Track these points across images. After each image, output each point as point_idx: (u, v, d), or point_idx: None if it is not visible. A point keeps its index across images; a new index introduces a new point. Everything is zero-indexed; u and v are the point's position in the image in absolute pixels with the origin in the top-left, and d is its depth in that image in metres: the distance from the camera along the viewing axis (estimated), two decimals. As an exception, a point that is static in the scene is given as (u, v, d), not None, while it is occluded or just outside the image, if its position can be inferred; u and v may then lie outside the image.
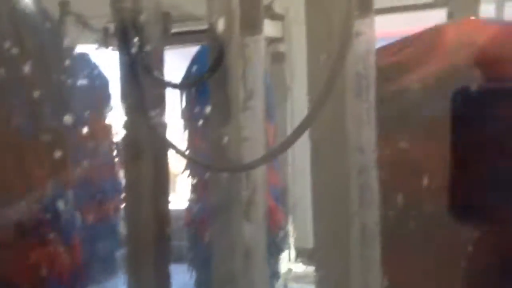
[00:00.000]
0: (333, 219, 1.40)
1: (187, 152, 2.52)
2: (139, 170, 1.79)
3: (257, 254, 1.58)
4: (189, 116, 2.94)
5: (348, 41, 1.28)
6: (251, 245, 1.57)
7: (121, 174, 3.51)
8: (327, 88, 1.30)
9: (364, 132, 1.37)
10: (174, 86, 1.67)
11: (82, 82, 3.39)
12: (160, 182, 1.82)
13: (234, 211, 1.56)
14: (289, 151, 3.42)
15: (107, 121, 3.67)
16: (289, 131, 3.72)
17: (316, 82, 1.39)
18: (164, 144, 1.77)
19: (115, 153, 3.59)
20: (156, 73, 1.69)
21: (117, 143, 3.51)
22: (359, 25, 1.36)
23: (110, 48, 3.94)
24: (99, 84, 3.71)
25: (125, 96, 1.79)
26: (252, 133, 1.62)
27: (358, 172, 1.36)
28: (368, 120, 1.38)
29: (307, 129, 1.35)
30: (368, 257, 1.36)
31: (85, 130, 3.20)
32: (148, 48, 1.75)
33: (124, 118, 1.82)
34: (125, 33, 1.72)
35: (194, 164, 2.81)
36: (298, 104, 3.74)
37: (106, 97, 3.69)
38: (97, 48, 4.04)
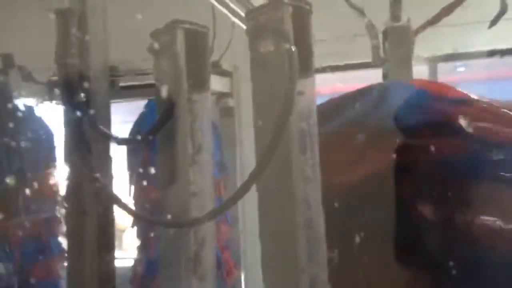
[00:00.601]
0: (282, 275, 1.40)
1: (133, 208, 2.48)
2: (83, 226, 1.74)
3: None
4: (136, 171, 2.92)
5: (292, 100, 1.32)
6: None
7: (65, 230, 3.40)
8: (272, 145, 1.33)
9: (310, 187, 1.40)
10: (120, 142, 1.65)
11: (28, 137, 3.33)
12: (105, 238, 1.78)
13: (183, 267, 1.54)
14: (239, 204, 3.44)
15: (52, 176, 3.58)
16: (239, 182, 3.73)
17: (262, 139, 1.43)
18: (110, 199, 1.74)
19: (60, 208, 3.49)
20: (102, 128, 1.68)
21: (62, 199, 3.42)
22: (301, 85, 1.41)
23: (54, 102, 3.89)
24: (45, 138, 3.64)
25: (69, 152, 1.76)
26: (200, 188, 1.61)
27: (306, 226, 1.38)
28: (313, 176, 1.41)
29: (253, 184, 1.37)
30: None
31: (31, 186, 3.11)
32: (94, 102, 1.74)
33: (69, 173, 1.79)
34: (70, 88, 1.71)
35: (140, 220, 2.76)
36: (248, 157, 3.79)
37: (52, 152, 3.61)
38: (41, 102, 3.98)
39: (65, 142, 1.77)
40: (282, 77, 1.36)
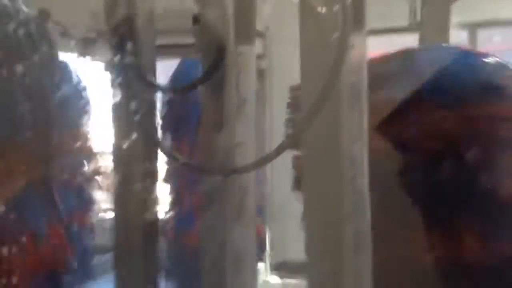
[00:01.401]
0: (325, 226, 1.43)
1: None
2: (128, 175, 1.79)
3: (248, 259, 1.59)
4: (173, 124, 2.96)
5: (344, 51, 1.32)
6: (241, 249, 1.58)
7: (98, 184, 3.48)
8: (322, 97, 1.34)
9: (356, 143, 1.41)
10: (168, 90, 1.67)
11: (64, 90, 3.38)
12: (149, 187, 1.82)
13: (227, 215, 1.58)
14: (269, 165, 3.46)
15: (87, 129, 3.64)
16: (267, 143, 3.76)
17: (310, 93, 1.43)
18: (155, 149, 1.77)
19: (94, 163, 3.57)
20: (149, 77, 1.70)
21: (96, 152, 3.49)
22: (353, 38, 1.40)
23: (89, 57, 3.93)
24: (79, 94, 3.69)
25: (116, 102, 1.80)
26: (244, 138, 1.64)
27: (351, 179, 1.40)
28: (359, 133, 1.42)
29: (299, 136, 1.39)
30: (361, 264, 1.39)
31: (67, 137, 3.18)
32: (141, 53, 1.76)
33: (114, 124, 1.82)
34: (119, 38, 1.73)
35: (181, 170, 2.80)
36: (278, 119, 3.78)
37: (85, 108, 3.66)
38: (77, 57, 4.03)
39: (112, 94, 1.80)
40: (333, 30, 1.36)
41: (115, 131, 1.84)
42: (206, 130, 1.69)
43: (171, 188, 3.10)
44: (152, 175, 1.84)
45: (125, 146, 1.81)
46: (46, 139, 2.72)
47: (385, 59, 2.11)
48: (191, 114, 2.98)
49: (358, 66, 1.44)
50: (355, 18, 1.39)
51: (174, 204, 3.04)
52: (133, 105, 1.70)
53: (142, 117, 1.68)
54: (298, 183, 1.94)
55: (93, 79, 3.71)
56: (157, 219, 1.83)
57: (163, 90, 1.65)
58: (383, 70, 1.96)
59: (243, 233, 1.59)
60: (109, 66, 1.81)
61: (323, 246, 1.42)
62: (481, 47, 4.08)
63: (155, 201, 1.84)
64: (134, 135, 1.78)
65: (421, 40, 3.06)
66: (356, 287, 1.40)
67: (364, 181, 1.43)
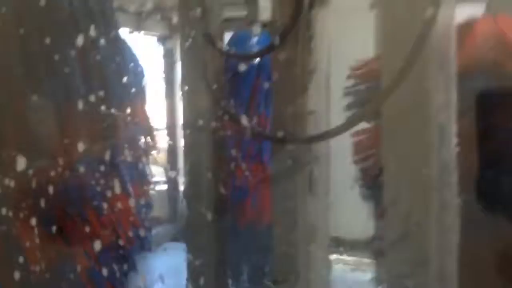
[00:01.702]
0: (409, 198, 1.36)
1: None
2: (200, 141, 1.77)
3: (320, 231, 1.54)
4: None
5: (436, 15, 1.25)
6: (313, 221, 1.54)
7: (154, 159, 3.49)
8: (409, 61, 1.27)
9: (445, 108, 1.34)
10: (239, 57, 1.63)
11: (123, 65, 3.39)
12: (217, 157, 1.80)
13: (296, 187, 1.53)
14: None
15: (143, 104, 3.65)
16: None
17: (392, 62, 1.36)
18: (225, 116, 1.74)
19: (152, 137, 3.58)
20: (219, 44, 1.66)
21: (153, 127, 3.50)
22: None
23: (143, 32, 3.92)
24: (135, 68, 3.69)
25: (186, 69, 1.77)
26: (317, 107, 1.58)
27: (437, 148, 1.33)
28: (449, 97, 1.34)
29: (387, 98, 1.32)
30: (447, 241, 1.32)
31: (127, 111, 3.19)
32: (208, 19, 1.72)
33: (185, 89, 1.80)
34: (187, 3, 1.70)
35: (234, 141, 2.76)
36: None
37: (141, 82, 3.66)
38: (130, 32, 4.03)
39: (181, 60, 1.78)
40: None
41: (184, 102, 1.81)
42: (277, 98, 1.64)
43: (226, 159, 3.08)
44: (222, 147, 1.82)
45: (196, 117, 1.79)
46: (105, 112, 2.74)
47: None
48: (250, 85, 2.95)
49: (445, 32, 1.36)
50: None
51: (229, 176, 3.03)
52: (204, 73, 1.67)
53: (213, 86, 1.65)
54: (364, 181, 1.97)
55: (148, 54, 3.71)
56: (228, 193, 1.81)
57: (235, 56, 1.60)
58: None
59: (314, 204, 1.54)
60: (166, 40, 1.78)
61: (406, 217, 1.36)
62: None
63: (227, 175, 1.81)
64: (204, 105, 1.76)
65: (488, 8, 2.91)
66: (439, 262, 1.33)
67: (451, 153, 1.36)
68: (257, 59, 2.70)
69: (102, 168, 2.50)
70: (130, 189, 3.16)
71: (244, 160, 2.93)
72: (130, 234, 2.54)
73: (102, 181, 2.47)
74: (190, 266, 1.73)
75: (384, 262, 1.31)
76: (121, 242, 2.48)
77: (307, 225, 1.52)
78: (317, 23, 1.61)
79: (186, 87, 1.74)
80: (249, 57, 1.89)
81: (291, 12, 1.56)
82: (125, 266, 2.25)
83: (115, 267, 2.18)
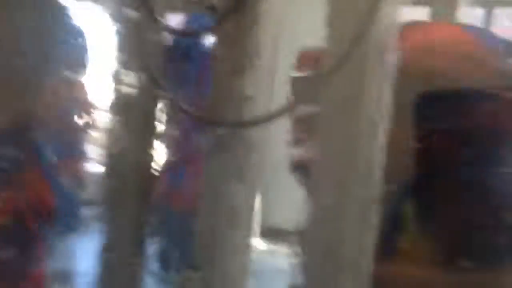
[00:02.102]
0: (332, 191, 1.35)
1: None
2: (127, 122, 1.70)
3: (244, 216, 1.51)
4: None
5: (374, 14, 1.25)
6: (239, 206, 1.50)
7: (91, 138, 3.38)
8: (346, 55, 1.26)
9: (379, 105, 1.33)
10: (181, 33, 1.57)
11: (61, 35, 3.24)
12: (147, 137, 1.74)
13: (229, 174, 1.49)
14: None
15: (83, 79, 3.52)
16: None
17: (333, 51, 1.35)
18: (156, 99, 1.68)
19: (89, 115, 3.46)
20: (160, 19, 1.60)
21: (92, 106, 3.38)
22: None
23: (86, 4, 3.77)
24: (79, 40, 3.55)
25: (122, 46, 1.69)
26: (255, 93, 1.55)
27: (366, 144, 1.32)
28: (384, 94, 1.34)
29: (318, 90, 1.31)
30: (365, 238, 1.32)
31: (62, 85, 3.06)
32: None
33: (117, 69, 1.72)
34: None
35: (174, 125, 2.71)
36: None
37: (83, 54, 3.53)
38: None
39: (118, 37, 1.70)
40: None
41: (115, 75, 1.74)
42: (215, 80, 1.59)
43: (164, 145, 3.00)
44: (150, 128, 1.76)
45: (124, 91, 1.72)
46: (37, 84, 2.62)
47: None
48: (193, 67, 2.89)
49: (387, 31, 1.36)
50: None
51: (166, 161, 2.95)
52: (139, 47, 1.60)
53: (148, 61, 1.59)
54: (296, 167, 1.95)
55: (94, 26, 3.58)
56: (153, 175, 1.75)
57: (175, 32, 1.54)
58: None
59: (243, 190, 1.51)
60: (115, 12, 1.70)
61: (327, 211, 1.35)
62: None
63: (151, 156, 1.75)
64: (136, 80, 1.69)
65: (432, 14, 2.97)
66: (358, 258, 1.33)
67: (379, 150, 1.36)
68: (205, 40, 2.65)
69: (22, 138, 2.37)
70: (58, 165, 3.03)
71: (180, 145, 2.88)
72: (50, 211, 2.43)
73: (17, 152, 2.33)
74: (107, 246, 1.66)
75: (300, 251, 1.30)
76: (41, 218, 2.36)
77: (231, 212, 1.49)
78: (262, 4, 1.57)
79: (122, 64, 1.67)
80: (189, 34, 1.83)
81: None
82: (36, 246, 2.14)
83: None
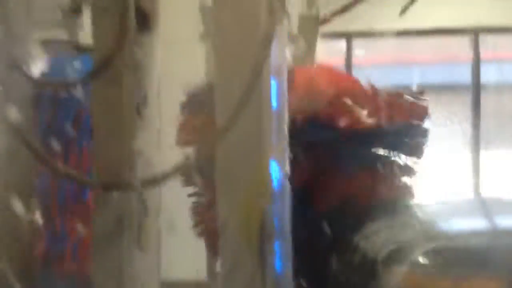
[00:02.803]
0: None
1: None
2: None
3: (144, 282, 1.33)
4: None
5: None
6: (141, 277, 1.33)
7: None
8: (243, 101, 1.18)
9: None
10: (50, 85, 1.38)
11: None
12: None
13: (124, 237, 1.31)
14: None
15: None
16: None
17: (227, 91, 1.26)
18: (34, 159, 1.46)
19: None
20: (26, 70, 1.39)
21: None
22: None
23: None
24: None
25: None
26: (146, 146, 1.38)
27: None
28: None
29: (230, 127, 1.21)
30: None
31: None
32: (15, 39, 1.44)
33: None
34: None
35: (52, 185, 2.43)
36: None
37: None
38: None
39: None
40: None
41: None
42: (97, 136, 1.41)
43: (42, 207, 2.65)
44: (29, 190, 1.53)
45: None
46: None
47: None
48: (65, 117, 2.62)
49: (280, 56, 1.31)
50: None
51: (45, 225, 2.61)
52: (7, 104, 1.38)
53: (19, 118, 1.36)
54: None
55: None
56: (32, 244, 1.52)
57: (44, 85, 1.34)
58: None
59: (144, 259, 1.33)
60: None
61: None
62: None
63: (31, 224, 1.52)
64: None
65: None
66: None
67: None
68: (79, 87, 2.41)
69: None
70: None
71: (61, 200, 2.58)
72: None
73: None
74: None
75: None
76: None
77: (133, 283, 1.30)
78: (144, 52, 1.42)
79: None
80: (62, 86, 1.62)
81: (115, 36, 1.35)
82: None
83: None
